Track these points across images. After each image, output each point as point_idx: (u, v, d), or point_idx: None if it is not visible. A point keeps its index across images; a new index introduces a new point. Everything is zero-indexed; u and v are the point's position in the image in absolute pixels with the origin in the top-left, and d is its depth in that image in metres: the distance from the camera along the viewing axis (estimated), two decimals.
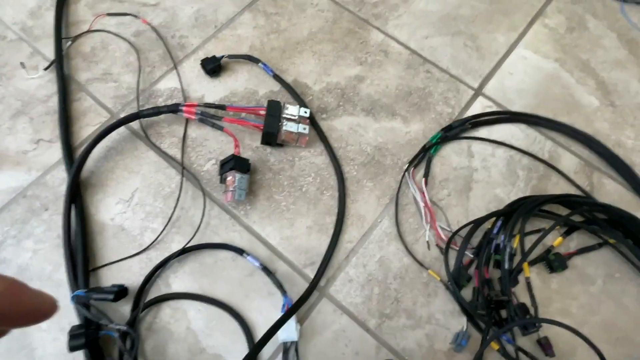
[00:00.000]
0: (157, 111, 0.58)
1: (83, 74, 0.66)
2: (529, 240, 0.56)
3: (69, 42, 0.68)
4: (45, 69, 0.65)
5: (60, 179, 0.59)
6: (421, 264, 0.55)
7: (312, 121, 0.63)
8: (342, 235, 0.57)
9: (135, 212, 0.57)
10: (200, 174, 0.60)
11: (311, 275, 0.54)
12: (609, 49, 0.74)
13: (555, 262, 0.55)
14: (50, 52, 0.67)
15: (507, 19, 0.76)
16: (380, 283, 0.54)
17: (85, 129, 0.62)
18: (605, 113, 0.68)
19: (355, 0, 0.76)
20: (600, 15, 0.77)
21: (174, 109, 0.58)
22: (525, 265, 0.54)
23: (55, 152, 0.60)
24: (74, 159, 0.59)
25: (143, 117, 0.59)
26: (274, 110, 0.59)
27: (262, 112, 0.59)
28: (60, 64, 0.65)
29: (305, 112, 0.60)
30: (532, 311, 0.52)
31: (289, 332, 0.49)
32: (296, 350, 0.50)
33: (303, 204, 0.59)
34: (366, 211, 0.59)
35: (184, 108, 0.58)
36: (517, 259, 0.54)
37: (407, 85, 0.68)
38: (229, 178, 0.55)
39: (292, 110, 0.60)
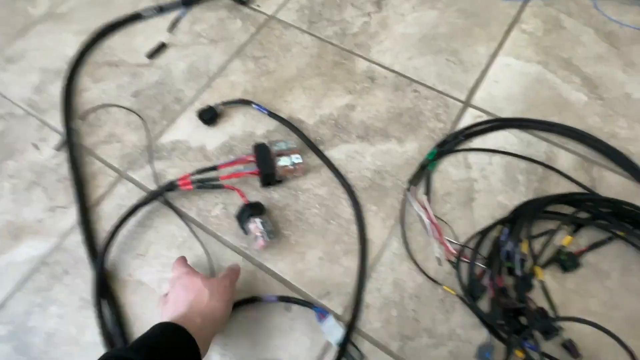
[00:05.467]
0: (155, 195, 0.60)
1: (89, 138, 0.70)
2: (539, 243, 0.57)
3: (80, 121, 0.71)
4: (58, 149, 0.68)
5: (77, 242, 0.61)
6: (435, 281, 0.56)
7: (318, 152, 0.65)
8: (352, 261, 0.58)
9: (151, 265, 0.59)
10: (209, 220, 0.62)
11: (328, 305, 0.55)
12: (588, 45, 0.76)
13: (567, 262, 0.56)
14: (56, 122, 0.71)
15: (485, 31, 0.78)
16: (397, 305, 0.55)
17: (96, 190, 0.65)
18: (595, 107, 0.69)
19: (337, 33, 0.79)
20: (575, 14, 0.80)
21: (170, 187, 0.60)
22: (536, 268, 0.54)
23: (71, 216, 0.63)
24: (88, 220, 0.61)
25: (143, 206, 0.60)
26: (263, 152, 0.62)
27: (252, 159, 0.62)
28: (69, 135, 0.68)
29: (291, 142, 0.63)
30: (552, 314, 0.52)
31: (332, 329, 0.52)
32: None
33: (312, 236, 0.60)
34: (374, 235, 0.60)
35: (179, 183, 0.60)
36: (529, 264, 0.55)
37: (397, 107, 0.70)
38: (252, 226, 0.56)
39: (279, 146, 0.62)
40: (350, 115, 0.70)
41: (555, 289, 0.55)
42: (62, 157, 0.68)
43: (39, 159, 0.68)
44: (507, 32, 0.78)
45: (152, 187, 0.64)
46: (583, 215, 0.59)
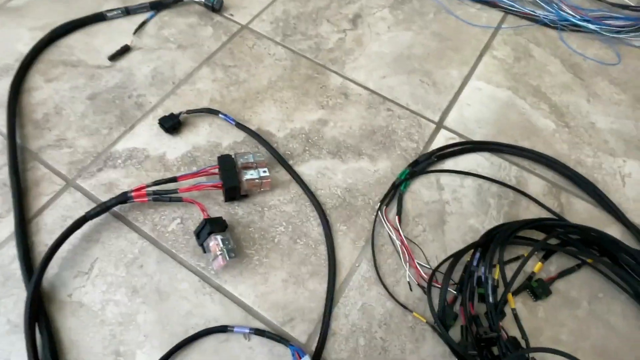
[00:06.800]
0: (104, 208, 0.54)
1: (35, 142, 0.63)
2: (510, 269, 0.55)
3: None
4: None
5: (11, 256, 0.54)
6: (405, 307, 0.53)
7: (287, 166, 0.62)
8: (319, 284, 0.54)
9: (95, 284, 0.53)
10: (165, 236, 0.56)
11: (291, 333, 0.51)
12: (555, 74, 0.78)
13: (538, 289, 0.54)
14: (1, 123, 0.64)
15: (458, 55, 0.79)
16: (365, 333, 0.51)
17: (39, 199, 0.59)
18: (562, 134, 0.70)
19: (311, 47, 0.77)
20: (543, 44, 0.82)
21: (122, 199, 0.54)
22: (509, 296, 0.52)
23: (6, 227, 0.56)
24: (25, 232, 0.55)
25: (90, 219, 0.54)
26: (227, 164, 0.58)
27: (215, 171, 0.57)
28: (12, 135, 0.62)
29: (259, 155, 0.59)
30: (523, 344, 0.50)
31: None
32: None
33: (276, 256, 0.56)
34: (342, 256, 0.56)
35: (133, 195, 0.54)
36: (501, 290, 0.53)
37: (370, 125, 0.69)
38: (212, 243, 0.52)
39: (245, 158, 0.58)
40: (322, 130, 0.68)
41: (527, 317, 0.53)
42: (2, 160, 0.61)
43: None
44: (479, 57, 0.79)
45: (103, 197, 0.59)
46: (553, 241, 0.58)
